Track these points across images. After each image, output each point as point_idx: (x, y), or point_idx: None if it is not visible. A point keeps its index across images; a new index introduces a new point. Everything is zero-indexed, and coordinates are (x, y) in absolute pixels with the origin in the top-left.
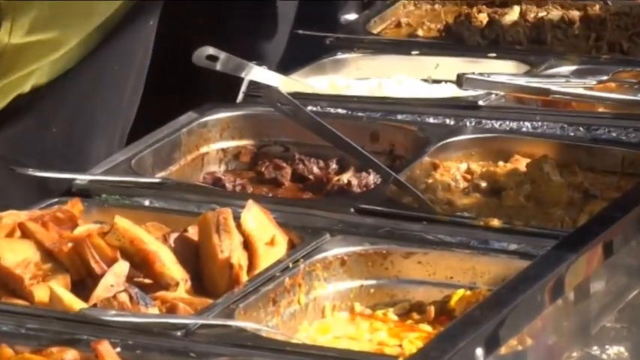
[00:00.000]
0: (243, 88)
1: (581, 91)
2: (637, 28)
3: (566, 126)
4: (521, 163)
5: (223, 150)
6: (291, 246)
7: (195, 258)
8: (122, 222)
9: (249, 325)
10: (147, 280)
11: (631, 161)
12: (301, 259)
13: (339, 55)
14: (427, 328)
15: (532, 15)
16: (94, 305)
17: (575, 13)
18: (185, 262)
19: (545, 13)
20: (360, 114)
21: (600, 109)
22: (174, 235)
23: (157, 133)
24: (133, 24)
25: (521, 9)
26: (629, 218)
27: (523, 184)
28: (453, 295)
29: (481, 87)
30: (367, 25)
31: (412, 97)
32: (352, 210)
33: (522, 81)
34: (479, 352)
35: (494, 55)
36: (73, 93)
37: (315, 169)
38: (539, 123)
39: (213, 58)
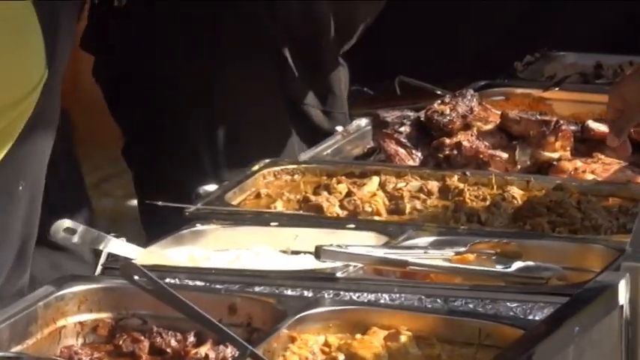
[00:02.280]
0: (102, 260)
1: (439, 262)
2: (495, 199)
3: (423, 297)
4: (379, 336)
5: (81, 323)
6: None
7: None
8: None
9: None
10: None
11: (487, 333)
12: None
13: (198, 227)
14: None
15: (391, 186)
16: None
17: (434, 184)
18: None
19: (404, 184)
20: (218, 286)
21: (458, 281)
22: None
23: (13, 306)
24: None
25: (380, 180)
26: None
27: (381, 357)
28: None
29: (339, 259)
30: (226, 195)
31: (270, 269)
32: None
33: (380, 252)
34: None
35: (353, 226)
36: None
37: (173, 342)
38: (397, 295)
39: (70, 231)
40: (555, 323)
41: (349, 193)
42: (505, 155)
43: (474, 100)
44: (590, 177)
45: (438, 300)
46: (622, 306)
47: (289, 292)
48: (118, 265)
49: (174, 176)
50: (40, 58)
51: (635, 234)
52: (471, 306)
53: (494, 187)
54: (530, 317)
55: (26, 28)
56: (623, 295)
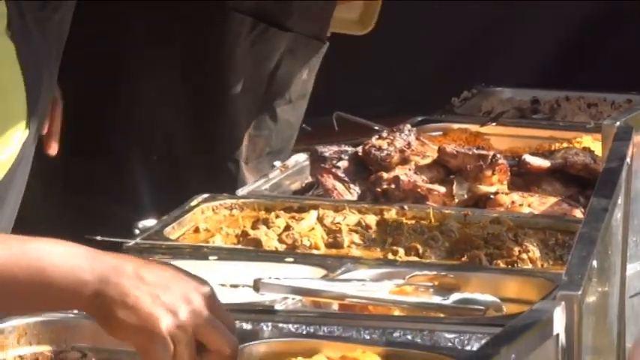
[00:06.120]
0: None
1: (377, 295)
2: (433, 232)
3: (362, 329)
4: None
5: (21, 357)
6: None
7: None
8: None
9: None
10: None
11: None
12: None
13: None
14: None
15: (329, 220)
16: None
17: (372, 218)
18: None
19: (342, 218)
20: None
21: (396, 313)
22: None
23: None
24: None
25: (318, 214)
26: None
27: None
28: None
29: (277, 291)
30: (165, 230)
31: None
32: None
33: (319, 285)
34: None
35: (291, 259)
36: None
37: None
38: (336, 327)
39: None
40: (491, 351)
41: (287, 228)
42: (442, 189)
43: (412, 134)
44: (526, 210)
45: (377, 331)
46: (558, 334)
47: None
48: None
49: (114, 210)
50: (21, 121)
51: (571, 263)
52: (409, 337)
53: (432, 220)
54: (468, 348)
55: (11, 91)
56: (559, 324)
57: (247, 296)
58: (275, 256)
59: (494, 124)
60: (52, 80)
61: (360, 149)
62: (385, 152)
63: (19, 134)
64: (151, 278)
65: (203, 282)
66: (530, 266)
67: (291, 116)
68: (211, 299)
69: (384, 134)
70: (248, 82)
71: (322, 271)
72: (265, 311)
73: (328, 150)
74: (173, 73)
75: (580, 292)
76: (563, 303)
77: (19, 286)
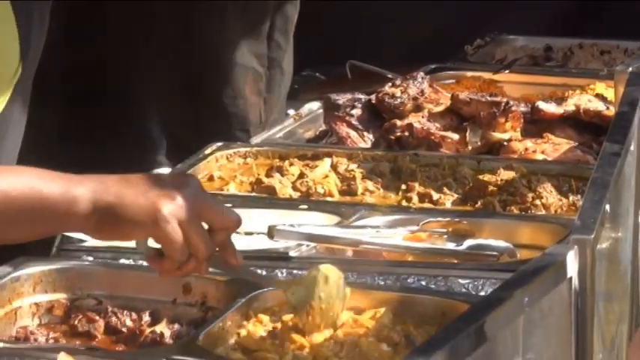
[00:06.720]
0: (56, 242)
1: (392, 241)
2: (446, 179)
3: (376, 275)
4: None
5: (36, 304)
6: None
7: None
8: None
9: None
10: None
11: (442, 311)
12: None
13: None
14: None
15: (343, 167)
16: None
17: (386, 165)
18: None
19: (356, 165)
20: None
21: (410, 259)
22: None
23: None
24: None
25: (332, 161)
26: None
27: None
28: None
29: (292, 238)
30: None
31: None
32: None
33: (333, 232)
34: None
35: (305, 207)
36: None
37: (128, 322)
38: (350, 273)
39: None
40: (504, 294)
41: (301, 175)
42: (456, 136)
43: (425, 82)
44: (540, 157)
45: (391, 278)
46: (571, 278)
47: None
48: (72, 247)
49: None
50: (14, 52)
51: (584, 208)
52: (423, 283)
53: (446, 167)
54: (482, 293)
55: (1, 29)
56: (572, 267)
57: (262, 243)
58: (289, 204)
59: (507, 71)
60: (43, 20)
61: (373, 97)
62: (399, 100)
63: (10, 74)
64: (136, 180)
65: (187, 175)
66: (543, 212)
67: (290, 64)
68: (201, 186)
69: (398, 82)
70: (248, 51)
71: (336, 218)
72: (280, 258)
73: (342, 98)
74: (168, 58)
75: (593, 236)
76: (576, 247)
77: (20, 213)
